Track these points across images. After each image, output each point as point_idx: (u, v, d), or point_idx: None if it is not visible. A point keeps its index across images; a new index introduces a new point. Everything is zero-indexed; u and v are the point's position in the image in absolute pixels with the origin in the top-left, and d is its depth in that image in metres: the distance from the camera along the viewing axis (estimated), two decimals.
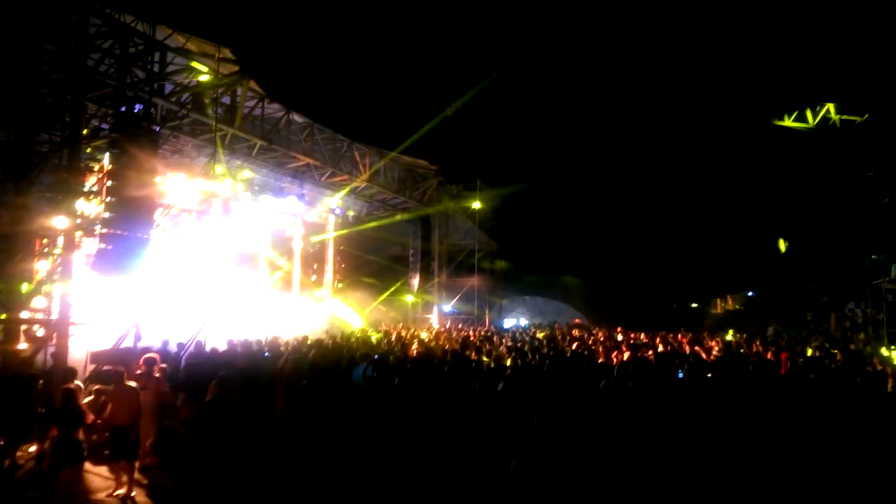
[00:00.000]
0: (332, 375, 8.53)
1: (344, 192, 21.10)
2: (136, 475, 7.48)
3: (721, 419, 5.26)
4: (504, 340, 15.34)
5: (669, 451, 4.82)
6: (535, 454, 4.75)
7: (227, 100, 15.45)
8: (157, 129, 12.62)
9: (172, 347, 11.18)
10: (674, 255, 26.12)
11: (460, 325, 22.68)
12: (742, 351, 12.73)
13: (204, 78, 13.74)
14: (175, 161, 16.14)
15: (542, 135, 21.81)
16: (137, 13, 11.85)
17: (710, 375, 7.34)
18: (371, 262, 26.32)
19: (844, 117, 17.41)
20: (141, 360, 8.49)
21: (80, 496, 7.01)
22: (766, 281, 27.18)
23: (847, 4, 14.24)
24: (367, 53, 15.34)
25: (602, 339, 15.89)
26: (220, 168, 15.49)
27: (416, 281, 26.02)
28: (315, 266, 23.31)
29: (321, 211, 22.07)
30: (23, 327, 10.16)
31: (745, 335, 17.08)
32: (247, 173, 18.27)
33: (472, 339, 15.48)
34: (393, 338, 15.27)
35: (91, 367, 10.36)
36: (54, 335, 10.06)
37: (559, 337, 16.66)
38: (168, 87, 13.84)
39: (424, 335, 17.11)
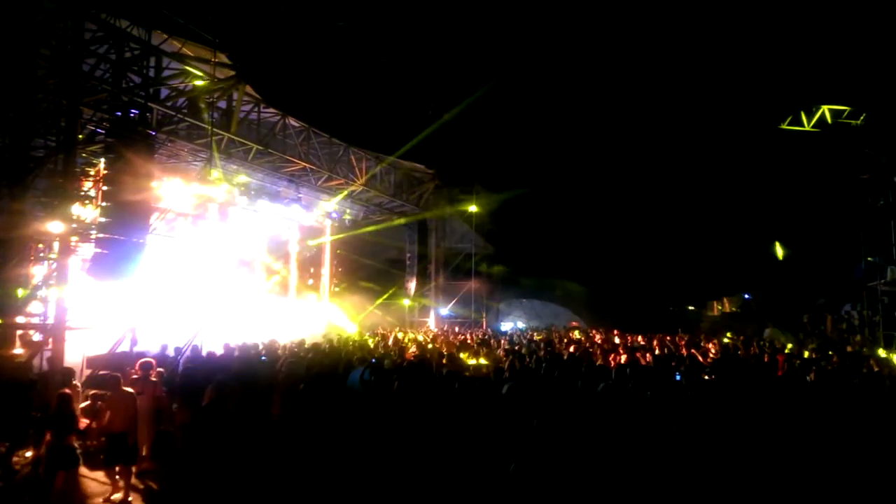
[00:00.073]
0: (328, 379, 8.51)
1: (341, 196, 21.08)
2: (133, 480, 7.45)
3: (718, 421, 5.27)
4: (501, 343, 15.34)
5: (668, 453, 4.83)
6: (534, 457, 4.74)
7: (223, 104, 15.42)
8: (153, 134, 12.59)
9: (169, 352, 11.16)
10: (670, 257, 26.13)
11: (457, 329, 22.67)
12: (739, 353, 12.77)
13: (200, 83, 13.72)
14: (171, 165, 16.14)
15: (539, 139, 21.81)
16: (133, 18, 11.87)
17: (707, 378, 7.36)
18: (368, 265, 26.25)
19: (840, 120, 17.48)
20: (137, 365, 8.50)
21: (76, 501, 6.99)
22: (763, 283, 27.24)
23: (843, 6, 14.31)
24: (363, 58, 15.34)
25: (599, 341, 15.91)
26: (216, 172, 15.48)
27: (413, 285, 25.96)
28: (312, 270, 23.30)
29: (318, 215, 22.05)
30: (18, 332, 10.18)
31: (741, 337, 17.11)
32: (243, 178, 18.23)
33: (469, 342, 15.46)
34: (390, 342, 15.24)
35: (87, 372, 10.34)
36: (50, 340, 10.06)
37: (556, 340, 16.66)
38: (164, 92, 13.83)
39: (420, 337, 17.09)
